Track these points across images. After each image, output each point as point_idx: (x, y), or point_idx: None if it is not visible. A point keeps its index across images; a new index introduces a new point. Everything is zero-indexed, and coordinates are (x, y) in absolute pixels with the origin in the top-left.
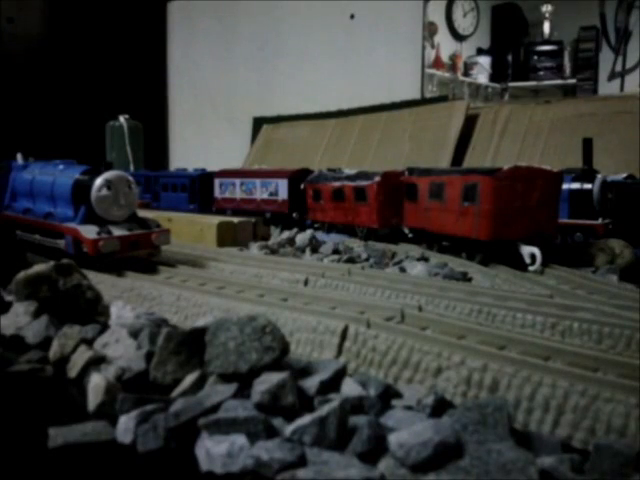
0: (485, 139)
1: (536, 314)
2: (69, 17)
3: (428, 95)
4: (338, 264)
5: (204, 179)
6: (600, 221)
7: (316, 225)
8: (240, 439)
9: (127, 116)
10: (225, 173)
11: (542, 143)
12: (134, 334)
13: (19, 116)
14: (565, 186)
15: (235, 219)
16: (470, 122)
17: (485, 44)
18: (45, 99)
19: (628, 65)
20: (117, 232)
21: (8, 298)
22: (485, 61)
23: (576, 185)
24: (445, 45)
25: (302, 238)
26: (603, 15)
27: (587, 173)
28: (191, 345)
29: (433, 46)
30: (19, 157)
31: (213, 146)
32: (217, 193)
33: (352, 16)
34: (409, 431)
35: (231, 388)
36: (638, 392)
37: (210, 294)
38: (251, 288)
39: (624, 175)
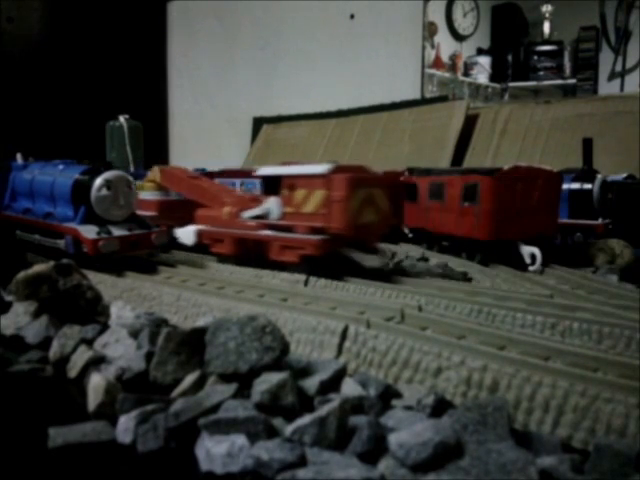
0: (485, 139)
1: (536, 314)
2: (69, 17)
3: (428, 95)
4: None
5: None
6: (600, 221)
7: None
8: (240, 439)
9: (127, 116)
10: (225, 173)
11: (542, 143)
12: (134, 334)
13: (19, 116)
14: (565, 186)
15: None
16: (470, 122)
17: (485, 44)
18: (45, 99)
19: (628, 65)
20: (117, 232)
21: (8, 298)
22: (485, 61)
23: (576, 185)
24: (445, 45)
25: None
26: (603, 15)
27: (587, 173)
28: (191, 345)
29: (433, 46)
30: (19, 157)
31: (213, 146)
32: None
33: (352, 16)
34: (409, 431)
35: (231, 388)
36: (638, 392)
37: (210, 294)
38: (251, 288)
39: (624, 175)
